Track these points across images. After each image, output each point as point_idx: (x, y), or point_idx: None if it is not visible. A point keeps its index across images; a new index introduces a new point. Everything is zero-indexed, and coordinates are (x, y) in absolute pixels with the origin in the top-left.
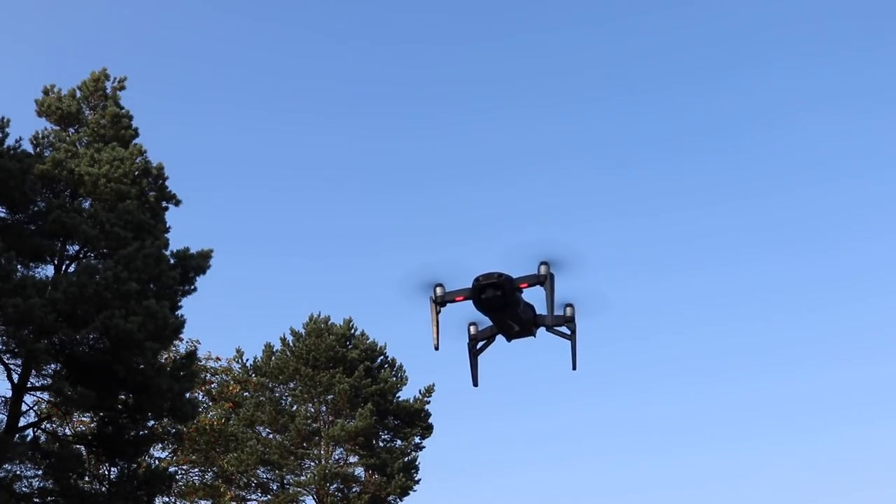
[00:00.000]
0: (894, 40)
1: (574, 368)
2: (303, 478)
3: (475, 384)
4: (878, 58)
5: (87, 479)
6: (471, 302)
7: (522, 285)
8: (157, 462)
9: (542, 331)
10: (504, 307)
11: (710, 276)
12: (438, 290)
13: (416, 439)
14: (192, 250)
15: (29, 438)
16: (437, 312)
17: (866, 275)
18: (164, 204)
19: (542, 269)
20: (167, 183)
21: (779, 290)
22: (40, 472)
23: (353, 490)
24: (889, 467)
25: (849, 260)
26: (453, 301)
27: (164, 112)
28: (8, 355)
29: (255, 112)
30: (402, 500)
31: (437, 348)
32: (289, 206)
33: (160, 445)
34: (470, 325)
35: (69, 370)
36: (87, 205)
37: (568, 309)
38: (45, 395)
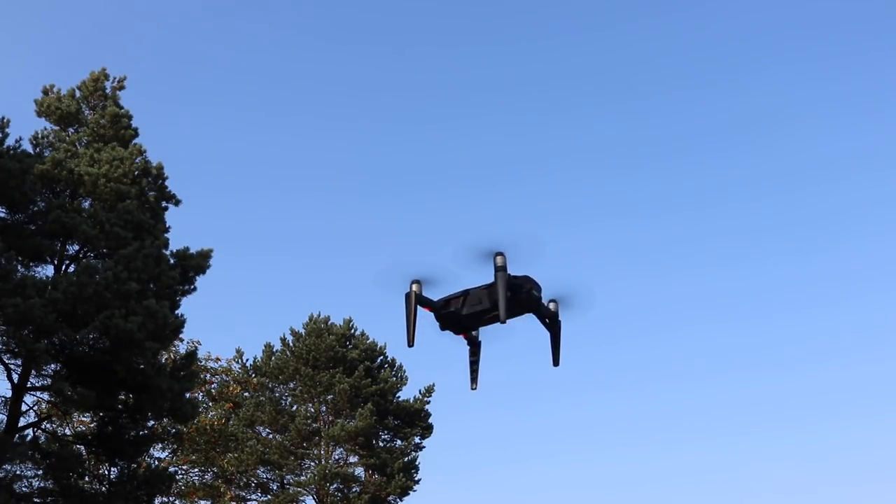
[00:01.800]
0: (894, 43)
1: (556, 364)
2: (303, 478)
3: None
4: (878, 60)
5: (87, 479)
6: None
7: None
8: (157, 462)
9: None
10: (464, 323)
11: (710, 277)
12: (415, 286)
13: (416, 439)
14: (192, 250)
15: (29, 438)
16: (415, 308)
17: (866, 275)
18: (163, 204)
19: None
20: (167, 183)
21: (779, 291)
22: (40, 472)
23: (353, 490)
24: (889, 467)
25: (849, 260)
26: (421, 305)
27: (164, 113)
28: (8, 355)
29: (256, 113)
30: (402, 500)
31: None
32: (289, 207)
33: (160, 445)
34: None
35: (69, 370)
36: (86, 205)
37: (552, 305)
38: (45, 395)
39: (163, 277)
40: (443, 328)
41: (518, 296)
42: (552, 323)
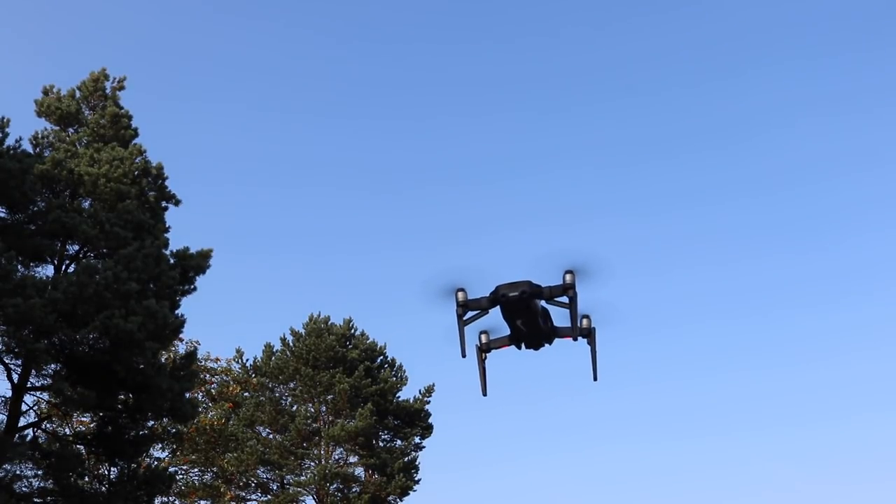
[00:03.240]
0: (891, 41)
1: (575, 339)
2: (303, 478)
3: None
4: (876, 58)
5: (87, 479)
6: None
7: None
8: (157, 462)
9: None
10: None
11: (709, 275)
12: (483, 336)
13: (416, 439)
14: (192, 250)
15: (29, 438)
16: (484, 360)
17: (865, 272)
18: (163, 204)
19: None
20: (167, 183)
21: (778, 288)
22: (40, 472)
23: (353, 490)
24: (889, 466)
25: (848, 258)
26: (498, 348)
27: (165, 111)
28: (8, 355)
29: (256, 111)
30: (402, 500)
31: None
32: (289, 206)
33: (160, 445)
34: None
35: (69, 370)
36: (86, 205)
37: (567, 276)
38: (45, 395)
39: (163, 277)
40: (537, 348)
41: (498, 303)
42: (567, 295)
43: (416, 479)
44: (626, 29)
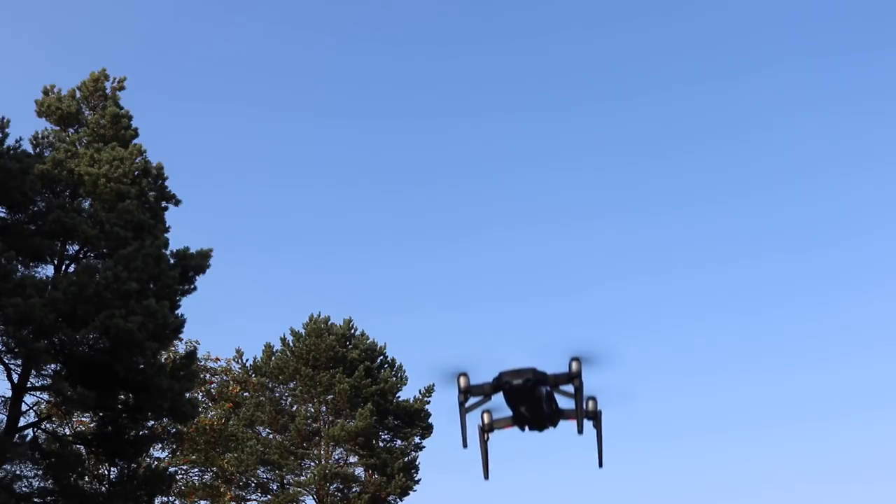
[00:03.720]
0: (891, 41)
1: (580, 432)
2: (303, 478)
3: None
4: (876, 58)
5: (87, 479)
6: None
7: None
8: (156, 462)
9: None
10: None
11: (709, 275)
12: (485, 416)
13: (416, 439)
14: (192, 250)
15: (29, 438)
16: (486, 440)
17: (865, 272)
18: (163, 204)
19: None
20: (167, 183)
21: (778, 288)
22: (40, 472)
23: (353, 490)
24: (889, 466)
25: (848, 257)
26: (501, 429)
27: (165, 111)
28: (8, 355)
29: (256, 110)
30: (402, 500)
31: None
32: (289, 205)
33: (160, 445)
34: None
35: (69, 370)
36: (86, 205)
37: (574, 364)
38: (45, 395)
39: (163, 277)
40: (541, 430)
41: (501, 389)
42: (573, 384)
43: (416, 479)
44: (625, 29)
